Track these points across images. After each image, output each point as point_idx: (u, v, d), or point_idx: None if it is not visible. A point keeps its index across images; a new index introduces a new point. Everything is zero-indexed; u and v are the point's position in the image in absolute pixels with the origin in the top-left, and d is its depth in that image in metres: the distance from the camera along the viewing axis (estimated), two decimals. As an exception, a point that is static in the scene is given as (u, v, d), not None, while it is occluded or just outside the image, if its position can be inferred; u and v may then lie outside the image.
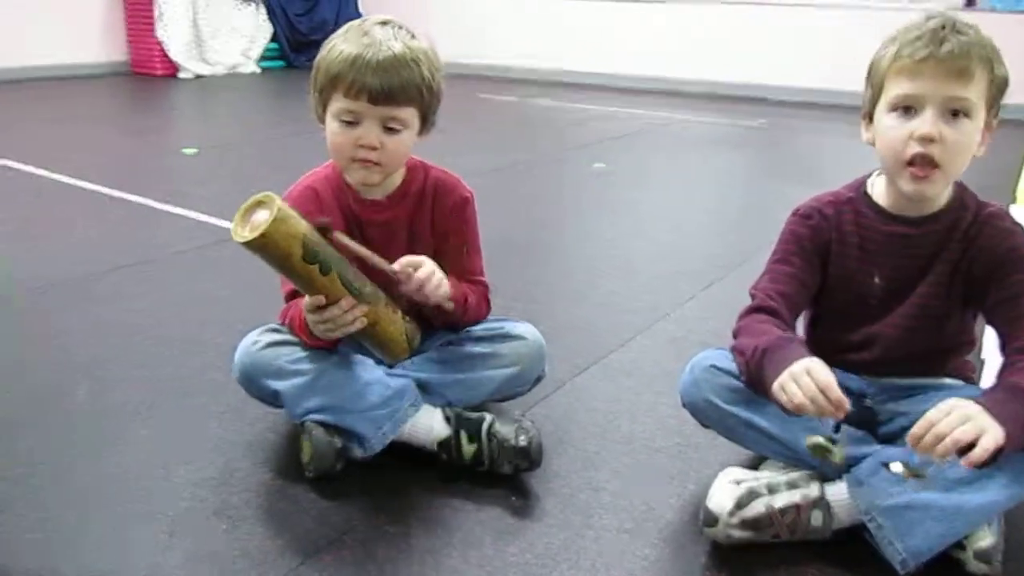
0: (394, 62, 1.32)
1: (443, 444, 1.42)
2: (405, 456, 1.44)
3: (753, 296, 1.35)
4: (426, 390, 1.47)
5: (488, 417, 1.42)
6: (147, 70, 7.10)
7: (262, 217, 1.12)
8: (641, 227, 3.06)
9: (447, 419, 1.44)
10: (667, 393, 1.65)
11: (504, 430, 1.40)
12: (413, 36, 1.39)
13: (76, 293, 2.27)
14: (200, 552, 1.24)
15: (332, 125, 1.38)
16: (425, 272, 1.34)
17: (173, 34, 6.98)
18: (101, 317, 2.11)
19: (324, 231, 1.24)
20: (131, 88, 6.56)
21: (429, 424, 1.43)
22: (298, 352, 1.41)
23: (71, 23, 6.84)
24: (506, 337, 1.50)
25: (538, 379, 1.55)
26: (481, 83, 6.93)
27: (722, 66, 6.61)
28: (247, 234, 1.11)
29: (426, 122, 1.42)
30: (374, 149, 1.35)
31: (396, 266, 1.32)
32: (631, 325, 2.11)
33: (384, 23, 1.37)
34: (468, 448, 1.41)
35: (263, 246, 1.11)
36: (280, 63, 7.89)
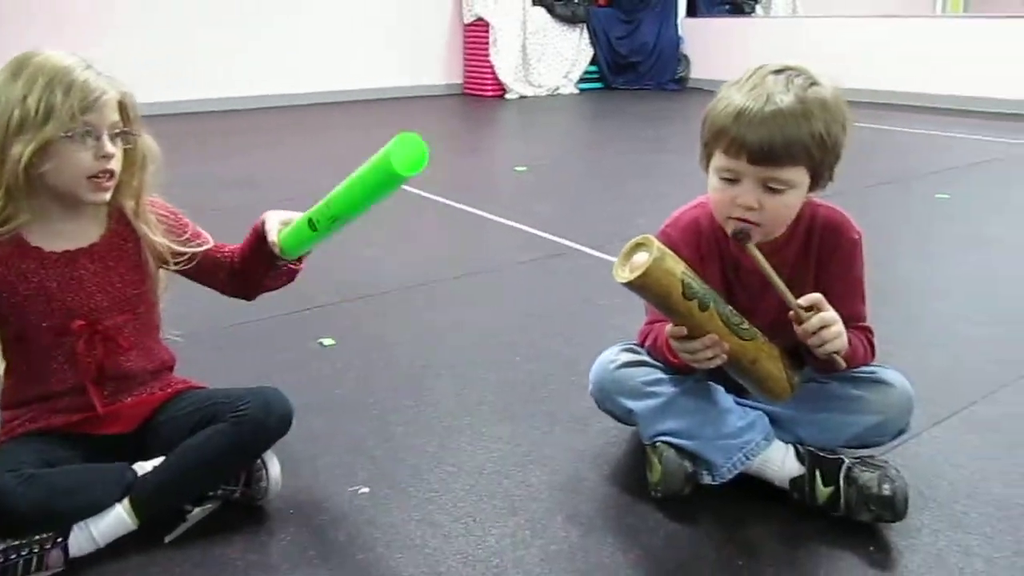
0: (778, 117, 1.22)
1: (795, 483, 1.38)
2: (753, 488, 1.42)
3: None
4: (776, 424, 1.44)
5: (846, 460, 1.36)
6: (478, 91, 7.71)
7: (642, 258, 1.17)
8: (996, 266, 2.76)
9: (800, 457, 1.39)
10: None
11: (865, 476, 1.32)
12: (813, 83, 1.27)
13: (436, 294, 2.51)
14: (556, 552, 1.31)
15: (712, 180, 1.33)
16: (829, 317, 1.27)
17: (504, 58, 7.53)
18: (457, 317, 2.31)
19: (742, 239, 1.28)
20: (464, 108, 7.14)
21: (781, 460, 1.40)
22: (655, 373, 1.45)
23: (417, 51, 7.64)
24: (876, 383, 1.41)
25: (900, 432, 1.44)
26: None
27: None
28: (628, 275, 1.17)
29: (818, 180, 1.30)
30: (752, 210, 1.28)
31: (803, 301, 1.26)
32: (994, 376, 1.90)
33: (779, 71, 1.27)
34: (823, 490, 1.35)
35: (644, 285, 1.17)
36: (598, 85, 8.18)
